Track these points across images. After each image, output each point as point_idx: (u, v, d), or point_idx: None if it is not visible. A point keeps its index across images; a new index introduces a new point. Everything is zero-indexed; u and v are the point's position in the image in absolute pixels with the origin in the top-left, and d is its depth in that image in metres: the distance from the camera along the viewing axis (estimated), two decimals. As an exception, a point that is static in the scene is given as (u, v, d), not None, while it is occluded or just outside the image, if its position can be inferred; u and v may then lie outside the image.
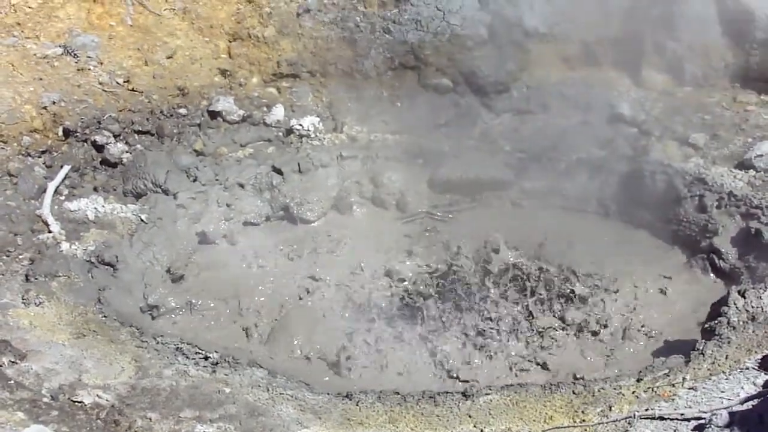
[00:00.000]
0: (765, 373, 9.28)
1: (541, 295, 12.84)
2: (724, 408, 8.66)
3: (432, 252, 13.91)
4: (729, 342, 10.19)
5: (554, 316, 12.61)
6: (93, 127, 14.83)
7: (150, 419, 9.30)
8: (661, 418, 8.97)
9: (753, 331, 10.30)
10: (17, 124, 14.28)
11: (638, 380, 9.86)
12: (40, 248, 12.66)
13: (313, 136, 15.59)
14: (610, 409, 9.36)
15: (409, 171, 15.36)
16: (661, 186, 14.38)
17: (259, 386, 10.26)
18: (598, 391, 9.78)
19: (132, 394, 9.79)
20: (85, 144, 14.76)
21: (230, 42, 16.79)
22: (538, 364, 11.91)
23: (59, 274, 12.10)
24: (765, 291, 10.80)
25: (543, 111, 16.88)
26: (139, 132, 15.20)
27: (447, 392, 10.16)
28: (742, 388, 9.19)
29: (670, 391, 9.45)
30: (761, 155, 13.90)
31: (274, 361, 11.60)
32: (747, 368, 9.59)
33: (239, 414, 9.57)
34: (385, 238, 14.34)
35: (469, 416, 9.61)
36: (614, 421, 9.08)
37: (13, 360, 9.92)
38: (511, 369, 11.80)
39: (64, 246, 12.77)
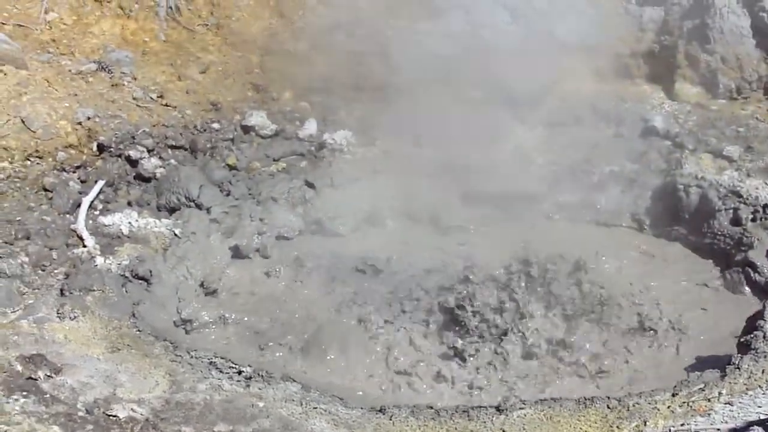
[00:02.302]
0: (802, 388, 9.20)
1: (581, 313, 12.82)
2: (761, 423, 8.58)
3: (464, 266, 13.84)
4: (765, 356, 10.13)
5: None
6: (127, 142, 14.93)
7: (184, 433, 9.34)
8: (697, 433, 8.92)
9: (789, 345, 10.23)
10: (52, 139, 14.40)
11: (673, 395, 9.80)
12: (75, 263, 12.72)
13: (345, 150, 15.63)
14: (645, 424, 9.30)
15: (441, 184, 15.31)
16: (695, 199, 14.29)
17: (293, 400, 10.27)
18: (633, 405, 9.72)
19: (166, 408, 9.82)
20: (119, 159, 14.85)
21: (263, 57, 16.88)
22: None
23: (94, 288, 12.14)
24: (801, 305, 10.74)
25: (575, 124, 16.85)
26: (172, 147, 15.28)
27: (480, 407, 10.14)
28: (780, 403, 9.13)
29: (706, 406, 9.38)
30: (796, 167, 13.85)
31: (307, 376, 11.59)
32: (784, 383, 9.53)
33: (273, 428, 9.58)
34: (418, 252, 14.30)
35: (503, 431, 9.58)
36: (650, 437, 9.04)
37: (48, 374, 9.98)
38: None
39: (99, 260, 12.82)
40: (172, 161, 15.13)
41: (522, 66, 16.44)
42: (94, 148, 14.77)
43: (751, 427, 8.48)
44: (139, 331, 11.60)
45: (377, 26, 17.20)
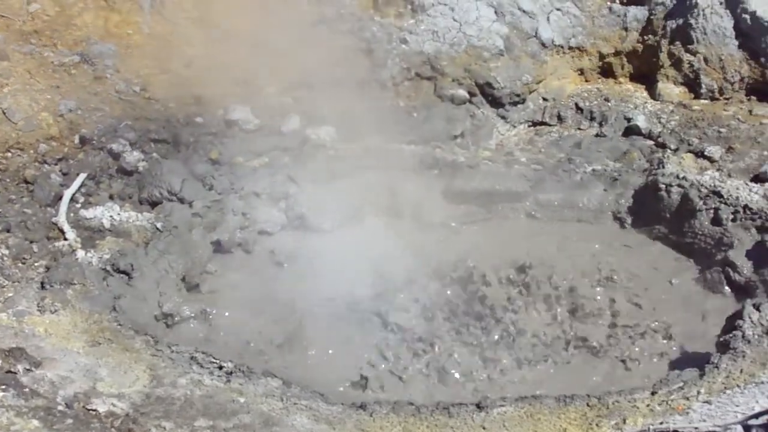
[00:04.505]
0: (780, 388, 9.29)
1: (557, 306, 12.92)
2: (739, 422, 8.68)
3: (448, 263, 13.87)
4: (744, 356, 10.22)
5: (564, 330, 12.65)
6: (109, 135, 14.87)
7: (164, 428, 9.35)
8: (676, 432, 9.00)
9: (768, 345, 10.32)
10: (34, 131, 14.34)
11: (653, 393, 9.88)
12: (56, 256, 12.71)
13: (328, 145, 15.63)
14: (624, 422, 9.38)
15: (424, 181, 15.36)
16: (676, 198, 14.36)
17: (274, 396, 10.29)
18: (613, 403, 9.80)
19: (146, 402, 9.84)
20: (102, 152, 14.78)
21: (247, 51, 16.84)
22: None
23: (74, 281, 12.12)
24: (780, 305, 10.83)
25: (558, 123, 16.96)
26: (155, 140, 15.23)
27: (461, 403, 10.19)
28: (757, 402, 9.21)
29: (684, 405, 9.46)
30: (777, 169, 13.95)
31: (288, 371, 11.61)
32: (762, 382, 9.61)
33: (253, 424, 9.61)
34: (401, 248, 14.32)
35: (483, 428, 9.64)
36: (628, 435, 9.12)
37: (28, 368, 9.98)
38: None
39: (80, 254, 12.80)
40: (155, 155, 15.07)
41: (506, 64, 16.52)
42: (76, 141, 14.71)
43: (728, 426, 8.57)
44: (119, 325, 11.57)
45: (361, 22, 17.21)
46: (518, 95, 16.92)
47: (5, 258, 12.39)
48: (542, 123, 17.15)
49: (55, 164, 14.33)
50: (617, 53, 17.74)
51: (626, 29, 17.66)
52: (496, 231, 14.87)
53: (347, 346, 12.27)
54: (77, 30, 16.10)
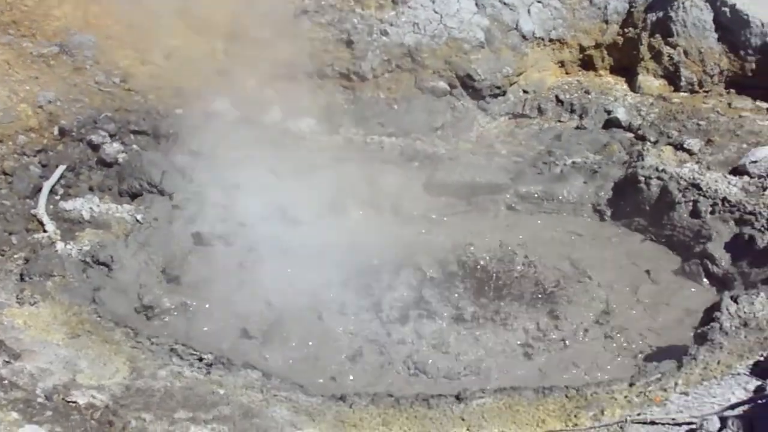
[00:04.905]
0: (756, 379, 9.35)
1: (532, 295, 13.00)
2: (716, 413, 8.75)
3: (428, 255, 13.90)
4: (721, 347, 10.27)
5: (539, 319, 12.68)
6: (89, 127, 14.86)
7: (144, 420, 9.34)
8: (653, 423, 9.06)
9: (745, 337, 10.38)
10: (13, 122, 14.30)
11: (631, 384, 9.92)
12: (35, 248, 12.67)
13: (309, 137, 15.66)
14: (603, 413, 9.43)
15: (404, 174, 15.39)
16: (655, 191, 14.44)
17: (254, 388, 10.29)
18: (591, 395, 9.84)
19: (126, 394, 9.83)
20: (81, 143, 14.78)
21: (227, 43, 16.83)
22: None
23: (54, 273, 12.09)
24: (757, 297, 10.89)
25: (539, 115, 17.03)
26: (135, 132, 15.24)
27: (440, 395, 10.22)
28: (734, 393, 9.27)
29: (662, 396, 9.53)
30: (755, 161, 13.99)
31: (268, 363, 11.64)
32: (739, 374, 9.67)
33: (233, 415, 9.62)
34: (381, 241, 14.34)
35: (462, 419, 9.67)
36: (606, 425, 9.16)
37: (7, 360, 9.95)
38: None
39: (59, 246, 12.77)
40: (135, 146, 15.08)
41: (486, 56, 16.56)
42: (56, 132, 14.68)
43: (705, 417, 8.65)
44: (99, 317, 11.54)
45: (342, 14, 17.22)
46: (499, 87, 17.00)
47: (-16, 250, 12.39)
48: (523, 115, 17.23)
49: (34, 156, 14.29)
50: (598, 46, 17.83)
51: (607, 22, 17.74)
52: (477, 223, 14.89)
53: (326, 340, 12.28)
54: (56, 21, 16.07)
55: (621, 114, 16.43)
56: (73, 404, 9.36)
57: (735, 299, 11.02)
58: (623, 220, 14.85)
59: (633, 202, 14.70)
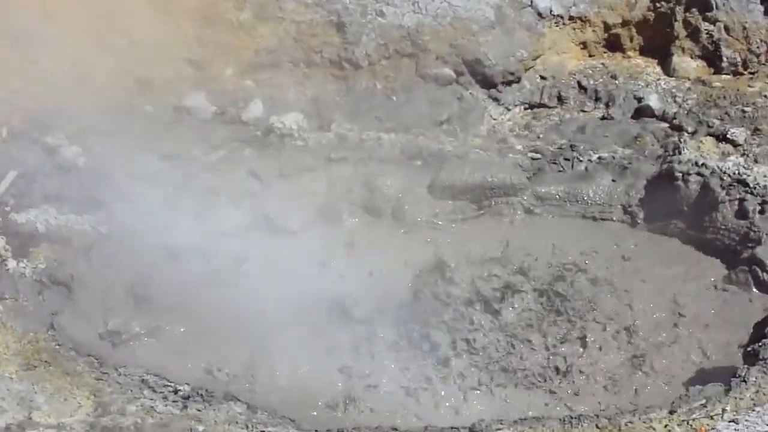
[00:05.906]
0: (816, 403, 9.31)
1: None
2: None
3: (434, 267, 13.86)
4: (775, 367, 10.24)
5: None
6: (44, 128, 14.81)
7: (111, 463, 9.33)
8: (699, 456, 9.02)
9: (803, 355, 10.36)
10: (-44, 122, 14.32)
11: (671, 412, 9.88)
12: (-17, 267, 12.68)
13: (296, 135, 15.62)
14: (640, 446, 9.39)
15: (406, 174, 15.35)
16: (695, 189, 14.38)
17: (237, 423, 10.27)
18: (625, 425, 9.79)
19: (90, 434, 9.81)
20: (35, 146, 14.73)
21: (201, 28, 16.80)
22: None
23: (5, 296, 12.11)
24: (815, 308, 10.87)
25: (559, 104, 16.98)
26: (96, 133, 15.18)
27: (453, 427, 10.18)
28: (791, 420, 9.24)
29: (708, 425, 9.47)
30: (810, 152, 13.99)
31: (253, 394, 11.58)
32: (796, 398, 9.64)
33: (214, 455, 9.60)
34: (380, 251, 14.31)
35: (478, 454, 9.64)
36: (644, 460, 9.13)
37: (-49, 396, 9.94)
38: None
39: (11, 264, 12.76)
40: (97, 149, 15.02)
41: (498, 38, 16.53)
42: (5, 134, 14.66)
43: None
44: (58, 345, 11.56)
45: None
46: (512, 73, 16.93)
47: (-76, 270, 12.36)
48: (540, 105, 17.15)
49: (-19, 161, 14.28)
50: (625, 23, 17.75)
51: (636, -5, 17.73)
52: (489, 230, 14.85)
53: (319, 364, 12.23)
54: (10, 7, 16.01)
55: (653, 101, 16.37)
56: (29, 446, 9.34)
57: (790, 311, 11.00)
58: (658, 224, 14.77)
59: (669, 203, 14.64)
